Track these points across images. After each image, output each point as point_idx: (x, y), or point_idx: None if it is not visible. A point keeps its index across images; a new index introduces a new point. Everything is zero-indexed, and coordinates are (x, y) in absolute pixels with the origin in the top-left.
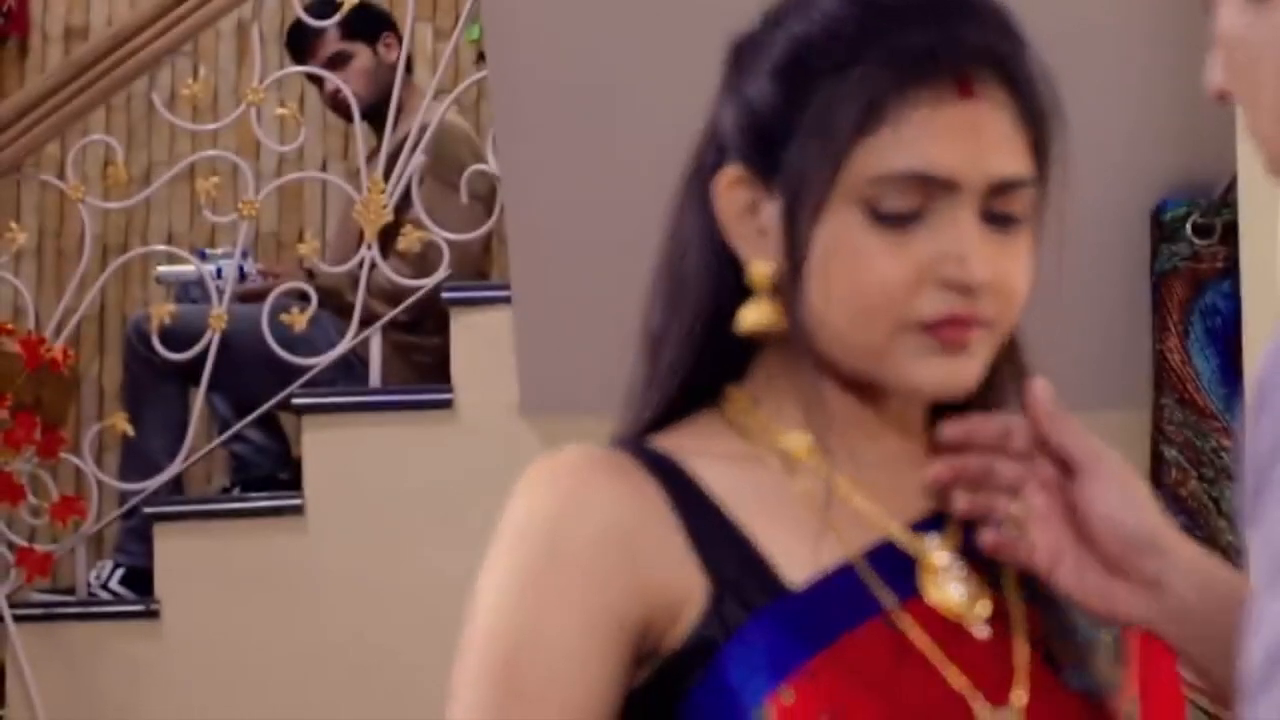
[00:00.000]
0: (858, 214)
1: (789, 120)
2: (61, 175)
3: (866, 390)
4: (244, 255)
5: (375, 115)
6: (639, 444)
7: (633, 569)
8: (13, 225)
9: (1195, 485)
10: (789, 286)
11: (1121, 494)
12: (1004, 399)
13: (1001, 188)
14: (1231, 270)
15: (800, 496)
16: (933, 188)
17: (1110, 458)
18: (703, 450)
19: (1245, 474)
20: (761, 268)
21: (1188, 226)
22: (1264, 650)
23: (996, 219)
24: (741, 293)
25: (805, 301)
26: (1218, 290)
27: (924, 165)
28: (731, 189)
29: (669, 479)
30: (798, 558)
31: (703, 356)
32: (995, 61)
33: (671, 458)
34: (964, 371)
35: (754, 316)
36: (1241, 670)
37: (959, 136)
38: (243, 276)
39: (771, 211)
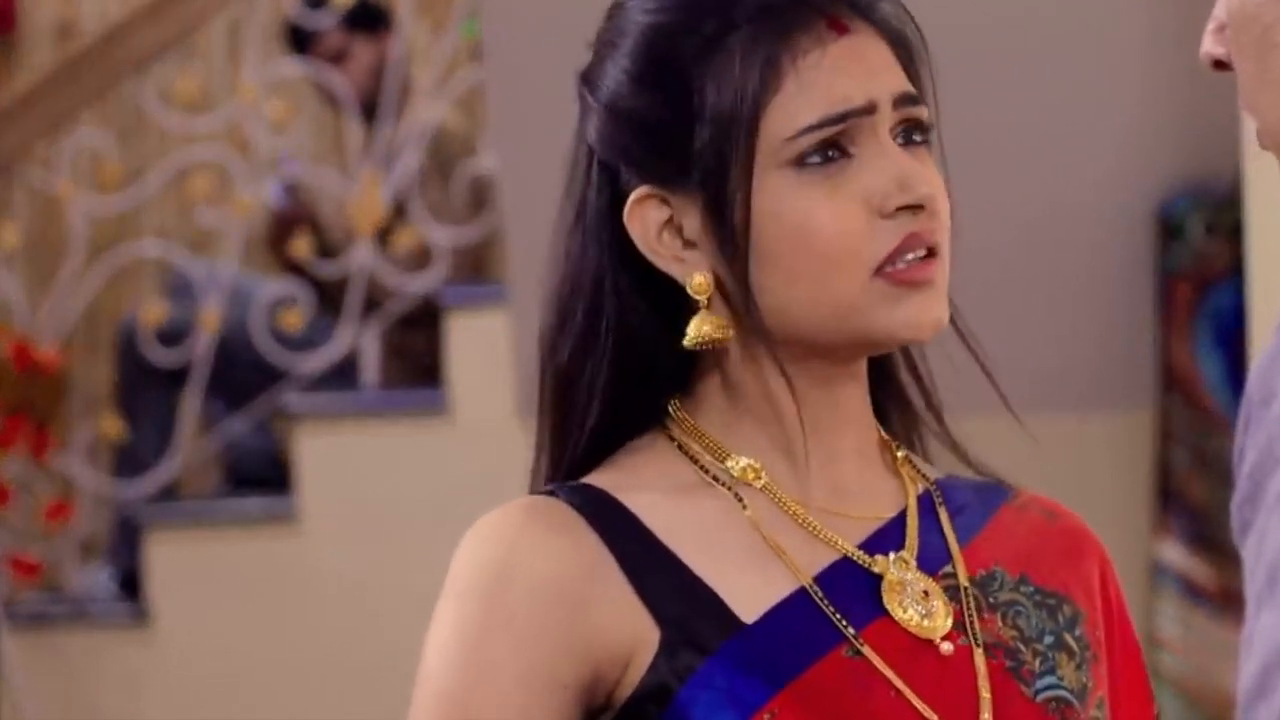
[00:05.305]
0: (788, 175)
1: (678, 116)
2: (52, 174)
3: (821, 386)
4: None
5: (371, 111)
6: (578, 486)
7: (574, 625)
8: (2, 224)
9: (1203, 487)
10: (739, 283)
11: None
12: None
13: (905, 101)
14: (1238, 270)
15: (749, 523)
16: (851, 120)
17: None
18: (645, 483)
19: (1237, 489)
20: (701, 278)
21: (1193, 226)
22: (1260, 661)
23: (908, 137)
24: (658, 312)
25: (763, 292)
26: (1224, 290)
27: (838, 104)
28: (643, 212)
29: (610, 522)
30: (749, 589)
31: (628, 387)
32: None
33: (612, 496)
34: (935, 308)
35: (705, 329)
36: (1239, 686)
37: (852, 67)
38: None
39: (695, 216)
